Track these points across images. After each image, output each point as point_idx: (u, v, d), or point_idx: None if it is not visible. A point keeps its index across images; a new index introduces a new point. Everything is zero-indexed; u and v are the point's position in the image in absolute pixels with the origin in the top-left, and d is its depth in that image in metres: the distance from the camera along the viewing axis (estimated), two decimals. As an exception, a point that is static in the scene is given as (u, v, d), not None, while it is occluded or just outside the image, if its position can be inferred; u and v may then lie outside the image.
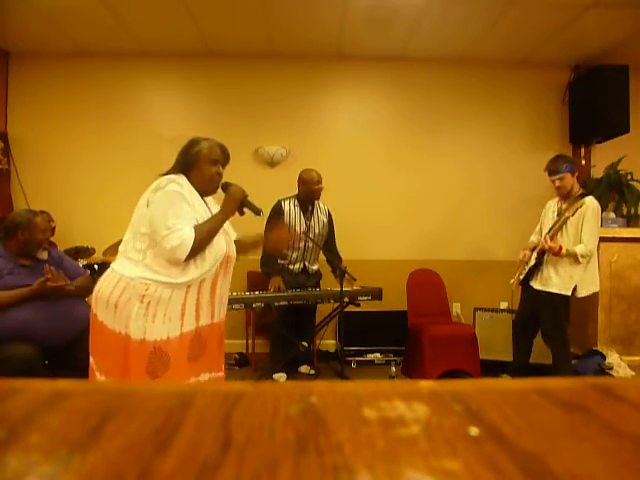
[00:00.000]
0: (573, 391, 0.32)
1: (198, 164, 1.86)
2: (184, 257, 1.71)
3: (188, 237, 1.71)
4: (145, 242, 1.75)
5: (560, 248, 2.85)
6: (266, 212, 3.59)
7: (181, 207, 1.74)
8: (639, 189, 4.28)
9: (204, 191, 1.90)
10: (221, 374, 1.96)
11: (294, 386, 0.32)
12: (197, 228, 1.75)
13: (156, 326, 1.73)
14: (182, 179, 1.81)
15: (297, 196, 3.56)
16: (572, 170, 3.01)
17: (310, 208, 3.55)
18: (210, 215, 1.86)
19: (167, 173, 1.85)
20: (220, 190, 1.95)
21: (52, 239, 3.39)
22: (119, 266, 1.78)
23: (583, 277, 2.94)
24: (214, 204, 1.98)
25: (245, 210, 1.96)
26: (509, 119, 4.60)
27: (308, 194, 3.49)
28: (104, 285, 1.79)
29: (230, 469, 0.22)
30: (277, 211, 3.50)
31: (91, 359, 1.83)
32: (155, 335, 1.73)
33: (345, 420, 0.27)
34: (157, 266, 1.73)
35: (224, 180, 1.95)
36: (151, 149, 4.23)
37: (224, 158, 1.92)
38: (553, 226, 2.99)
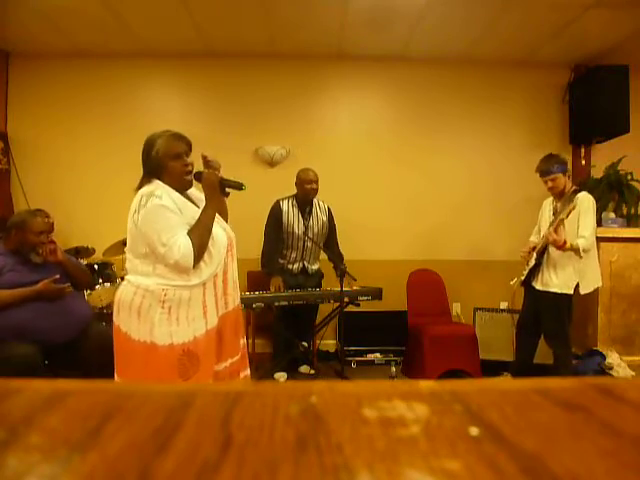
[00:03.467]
0: (573, 391, 0.32)
1: (163, 165, 1.80)
2: (191, 264, 1.71)
3: (186, 246, 1.70)
4: (149, 257, 1.74)
5: (565, 242, 2.84)
6: (265, 212, 3.61)
7: (168, 218, 1.72)
8: (639, 189, 4.28)
9: (180, 188, 1.84)
10: (237, 358, 1.93)
11: (294, 386, 0.32)
12: (191, 233, 1.74)
13: (181, 328, 1.72)
14: (158, 188, 1.76)
15: (295, 196, 3.56)
16: (564, 170, 2.99)
17: (308, 207, 3.55)
18: (198, 209, 1.83)
19: (140, 184, 1.82)
20: (196, 181, 1.89)
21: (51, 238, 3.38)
22: (134, 278, 1.77)
23: (584, 274, 2.93)
24: (198, 194, 1.93)
25: (228, 191, 1.89)
26: (509, 119, 4.60)
27: (303, 193, 3.49)
28: (123, 294, 1.76)
29: (230, 469, 0.22)
30: (275, 211, 3.50)
31: (116, 377, 1.79)
32: (182, 337, 1.72)
33: (345, 420, 0.27)
34: (170, 274, 1.73)
35: (196, 170, 1.87)
36: (151, 149, 4.23)
37: (186, 147, 1.85)
38: (550, 225, 2.99)
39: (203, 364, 1.76)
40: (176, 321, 1.72)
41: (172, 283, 1.72)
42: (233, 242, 1.92)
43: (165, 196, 1.75)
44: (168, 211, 1.72)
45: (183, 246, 1.69)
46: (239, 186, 1.88)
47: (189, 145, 1.86)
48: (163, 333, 1.70)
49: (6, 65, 4.38)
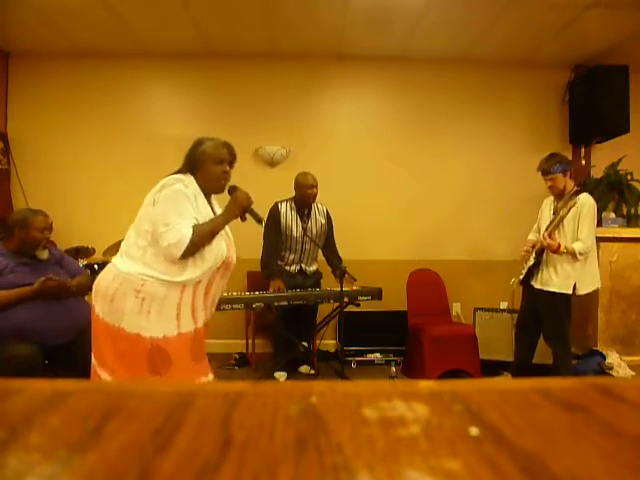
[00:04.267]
0: (573, 391, 0.32)
1: (203, 164, 1.87)
2: (179, 255, 1.72)
3: (184, 236, 1.72)
4: (147, 239, 1.77)
5: (559, 246, 2.86)
6: (265, 212, 3.60)
7: (183, 206, 1.76)
8: (639, 189, 4.28)
9: (210, 190, 1.91)
10: (211, 377, 1.98)
11: (294, 386, 0.32)
12: (196, 228, 1.76)
13: (151, 323, 1.74)
14: (189, 180, 1.83)
15: (294, 199, 3.55)
16: (564, 170, 2.99)
17: (307, 210, 3.54)
18: (211, 215, 1.87)
19: (175, 173, 1.87)
20: (227, 193, 1.96)
21: (51, 238, 3.38)
22: (119, 262, 1.80)
23: (582, 275, 2.93)
24: (219, 207, 1.99)
25: (247, 217, 1.97)
26: (509, 119, 4.60)
27: (302, 198, 3.48)
28: (102, 278, 1.82)
29: (230, 469, 0.22)
30: (273, 213, 3.50)
31: (92, 358, 1.84)
32: (151, 332, 1.74)
33: (345, 420, 0.27)
34: (156, 264, 1.75)
35: (232, 183, 1.95)
36: (151, 149, 4.23)
37: (230, 157, 1.92)
38: (550, 224, 2.99)
39: (176, 365, 1.77)
40: (147, 314, 1.73)
41: (153, 274, 1.74)
42: (231, 264, 1.95)
43: (192, 188, 1.82)
44: (187, 201, 1.78)
45: (182, 234, 1.72)
46: (259, 220, 1.98)
47: (233, 157, 1.94)
48: (132, 322, 1.73)
49: (6, 65, 4.38)
